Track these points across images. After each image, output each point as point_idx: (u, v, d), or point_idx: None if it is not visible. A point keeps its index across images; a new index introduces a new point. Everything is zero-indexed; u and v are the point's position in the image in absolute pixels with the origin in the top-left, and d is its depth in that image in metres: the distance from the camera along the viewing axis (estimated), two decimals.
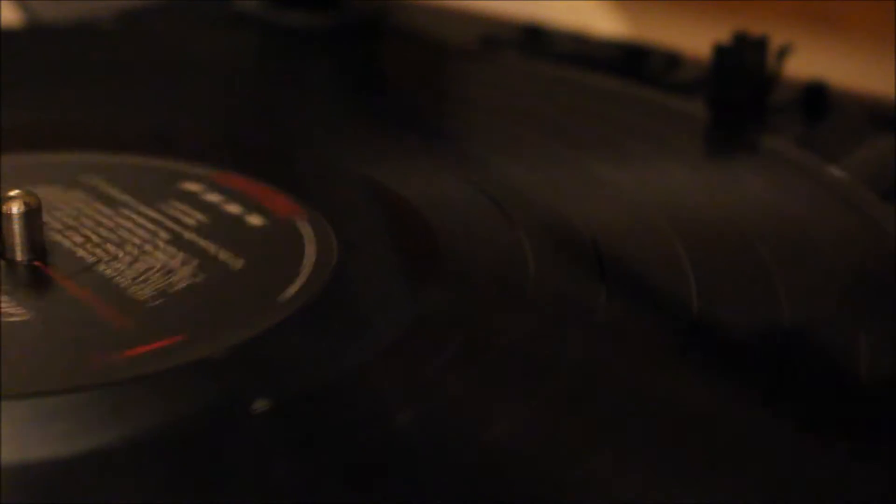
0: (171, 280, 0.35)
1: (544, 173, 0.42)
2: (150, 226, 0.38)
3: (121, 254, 0.36)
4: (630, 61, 0.51)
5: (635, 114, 0.46)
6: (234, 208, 0.39)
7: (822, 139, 0.44)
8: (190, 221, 0.38)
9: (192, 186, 0.40)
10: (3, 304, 0.34)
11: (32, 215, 0.36)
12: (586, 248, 0.37)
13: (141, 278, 0.35)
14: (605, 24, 0.59)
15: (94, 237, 0.37)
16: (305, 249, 0.37)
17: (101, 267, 0.36)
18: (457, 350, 0.33)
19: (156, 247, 0.37)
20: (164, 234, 0.38)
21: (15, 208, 0.36)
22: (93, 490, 0.29)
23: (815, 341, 0.33)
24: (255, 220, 0.38)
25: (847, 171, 0.41)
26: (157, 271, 0.36)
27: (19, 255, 0.36)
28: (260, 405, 0.31)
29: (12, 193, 0.36)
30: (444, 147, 0.44)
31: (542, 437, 0.30)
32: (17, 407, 0.31)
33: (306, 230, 0.37)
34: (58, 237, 0.37)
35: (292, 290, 0.35)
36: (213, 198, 0.40)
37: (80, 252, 0.37)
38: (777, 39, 0.47)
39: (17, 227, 0.36)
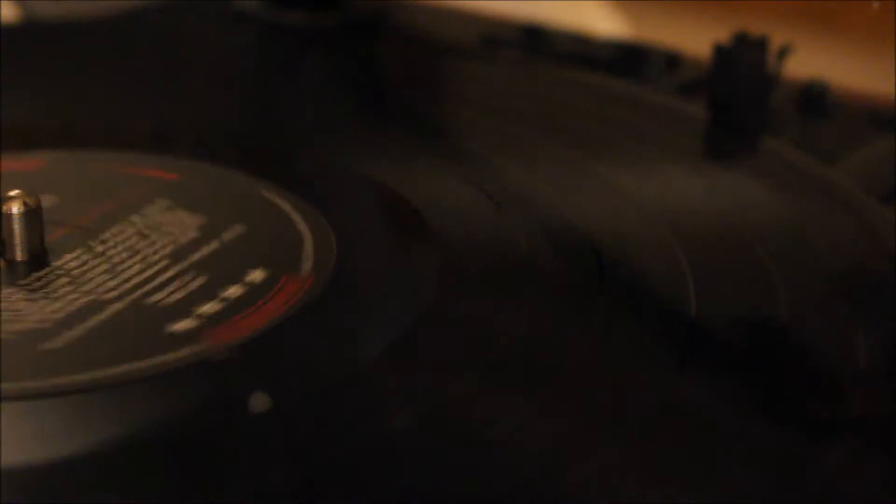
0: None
1: (544, 173, 0.42)
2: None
3: (112, 264, 0.36)
4: (630, 61, 0.51)
5: (635, 114, 0.46)
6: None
7: (821, 140, 0.44)
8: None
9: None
10: (21, 304, 0.34)
11: (32, 215, 0.36)
12: (586, 248, 0.37)
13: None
14: (605, 24, 0.59)
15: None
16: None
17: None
18: (457, 350, 0.33)
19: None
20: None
21: (15, 208, 0.36)
22: (93, 490, 0.29)
23: (815, 342, 0.33)
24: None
25: (846, 173, 0.41)
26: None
27: (19, 255, 0.36)
28: (259, 405, 0.31)
29: (12, 193, 0.36)
30: (444, 147, 0.44)
31: (542, 437, 0.30)
32: (17, 407, 0.31)
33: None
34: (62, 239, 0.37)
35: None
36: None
37: (73, 262, 0.36)
38: (777, 39, 0.47)
39: (17, 227, 0.36)
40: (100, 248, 0.37)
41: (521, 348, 0.33)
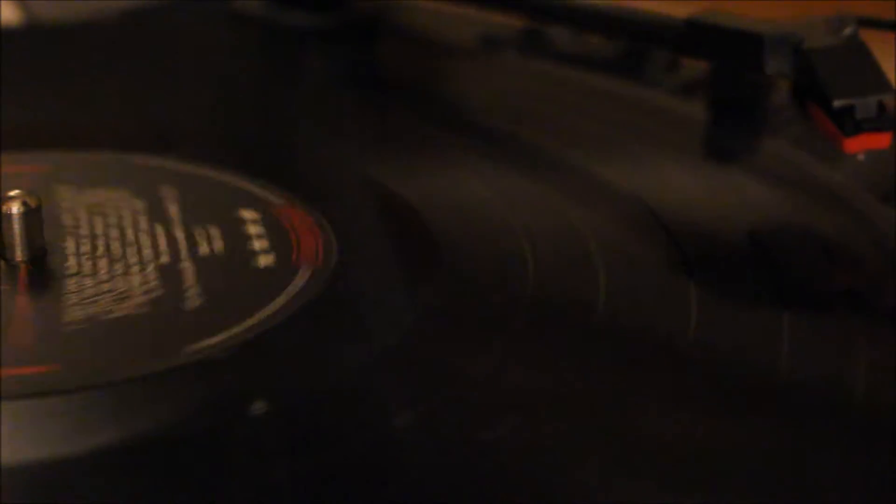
0: (116, 307, 0.34)
1: (544, 173, 0.42)
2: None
3: (103, 270, 0.36)
4: (630, 61, 0.51)
5: (635, 114, 0.46)
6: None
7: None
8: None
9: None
10: (31, 304, 0.34)
11: (32, 215, 0.36)
12: (586, 248, 0.37)
13: (92, 299, 0.35)
14: None
15: (100, 246, 0.37)
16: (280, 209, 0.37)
17: (72, 281, 0.36)
18: (457, 350, 0.33)
19: (141, 269, 0.36)
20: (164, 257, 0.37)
21: (15, 208, 0.36)
22: (92, 490, 0.29)
23: (815, 341, 0.33)
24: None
25: (846, 172, 0.41)
26: (113, 294, 0.35)
27: (19, 255, 0.36)
28: (259, 406, 0.31)
29: (12, 193, 0.36)
30: (444, 147, 0.44)
31: (542, 437, 0.30)
32: (16, 407, 0.31)
33: (270, 195, 0.38)
34: (63, 240, 0.37)
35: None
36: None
37: (71, 260, 0.36)
38: None
39: (16, 227, 0.36)
40: (83, 232, 0.37)
41: (521, 348, 0.33)
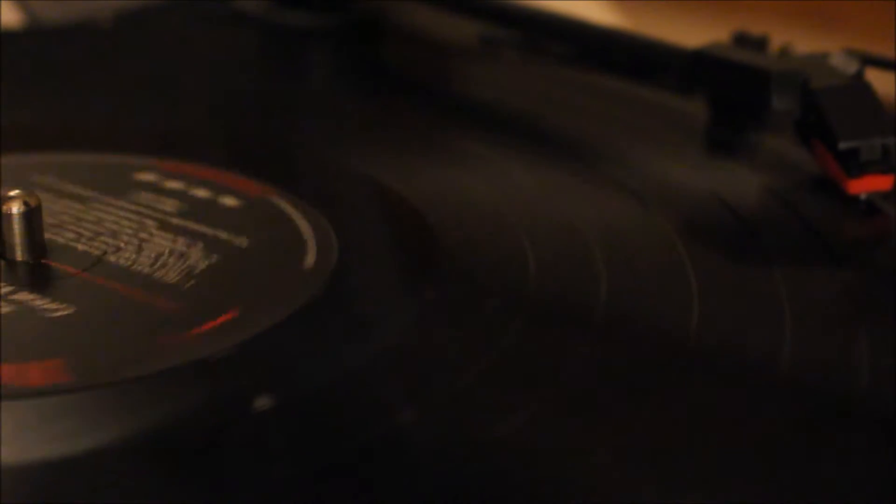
0: (188, 263, 0.35)
1: (544, 173, 0.42)
2: (132, 216, 0.38)
3: (121, 244, 0.36)
4: (631, 60, 0.51)
5: (635, 114, 0.46)
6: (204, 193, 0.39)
7: None
8: (167, 208, 0.38)
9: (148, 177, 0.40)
10: (37, 302, 0.34)
11: (32, 215, 0.36)
12: (586, 248, 0.37)
13: (158, 264, 0.35)
14: (606, 23, 0.59)
15: (85, 233, 0.37)
16: (306, 248, 0.37)
17: (111, 258, 0.36)
18: (457, 350, 0.33)
19: (151, 234, 0.37)
20: (150, 222, 0.38)
21: (15, 208, 0.36)
22: (92, 490, 0.29)
23: (816, 340, 0.33)
24: (229, 201, 0.39)
25: None
26: (170, 256, 0.36)
27: (19, 255, 0.36)
28: (260, 405, 0.31)
29: (12, 193, 0.36)
30: (444, 146, 0.44)
31: (542, 437, 0.30)
32: (17, 407, 0.31)
33: (306, 229, 0.37)
34: (48, 235, 0.37)
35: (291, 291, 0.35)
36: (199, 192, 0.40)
37: (81, 247, 0.37)
38: (777, 39, 0.47)
39: (17, 227, 0.36)
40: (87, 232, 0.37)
41: (521, 348, 0.33)
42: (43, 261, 0.36)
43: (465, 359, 0.33)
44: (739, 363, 0.33)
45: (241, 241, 0.37)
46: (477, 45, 0.53)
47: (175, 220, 0.38)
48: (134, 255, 0.36)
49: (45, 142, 0.43)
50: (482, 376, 0.32)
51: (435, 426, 0.30)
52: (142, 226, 0.38)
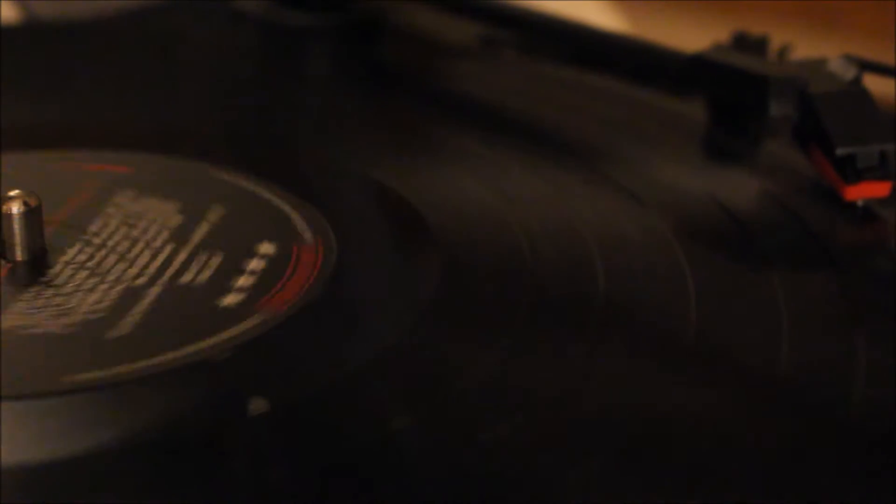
0: (45, 322, 0.34)
1: (543, 174, 0.42)
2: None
3: (74, 283, 0.36)
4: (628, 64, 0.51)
5: (635, 116, 0.46)
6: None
7: None
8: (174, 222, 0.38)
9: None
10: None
11: (32, 215, 0.36)
12: (585, 249, 0.37)
13: (34, 310, 0.34)
14: (605, 24, 0.59)
15: (97, 257, 0.37)
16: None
17: (35, 288, 0.35)
18: (457, 350, 0.33)
19: (110, 287, 0.36)
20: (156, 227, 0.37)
21: (15, 208, 0.36)
22: (92, 491, 0.29)
23: (815, 341, 0.33)
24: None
25: None
26: (56, 309, 0.35)
27: (19, 255, 0.36)
28: (258, 407, 0.31)
29: (12, 193, 0.36)
30: (443, 147, 0.44)
31: (542, 438, 0.30)
32: (16, 407, 0.31)
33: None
34: (72, 245, 0.37)
35: (227, 334, 0.34)
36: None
37: (57, 268, 0.36)
38: (777, 39, 0.47)
39: (17, 227, 0.36)
40: (97, 241, 0.37)
41: (521, 348, 0.33)
42: (37, 262, 0.36)
43: (464, 358, 0.33)
44: (737, 366, 0.33)
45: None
46: (477, 45, 0.53)
47: (174, 221, 0.38)
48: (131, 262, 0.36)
49: (45, 142, 0.43)
50: (481, 376, 0.32)
51: (434, 427, 0.30)
52: (146, 231, 0.38)
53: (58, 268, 0.36)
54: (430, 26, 0.54)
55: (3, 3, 0.56)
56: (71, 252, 0.36)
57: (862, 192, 0.39)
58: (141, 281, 0.35)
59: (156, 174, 0.41)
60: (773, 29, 0.48)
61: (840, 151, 0.38)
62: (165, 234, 0.37)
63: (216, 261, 0.36)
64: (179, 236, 0.37)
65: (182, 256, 0.36)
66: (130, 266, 0.36)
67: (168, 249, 0.37)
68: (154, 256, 0.36)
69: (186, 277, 0.35)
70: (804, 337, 0.33)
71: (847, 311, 0.35)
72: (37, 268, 0.36)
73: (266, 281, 0.35)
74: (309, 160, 0.43)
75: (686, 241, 0.37)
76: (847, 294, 0.36)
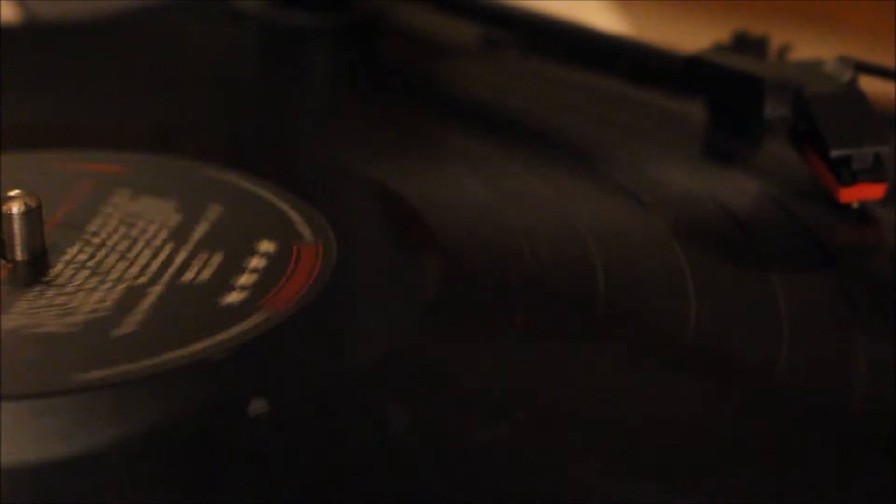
0: (48, 322, 0.34)
1: (543, 174, 0.42)
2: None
3: (75, 282, 0.36)
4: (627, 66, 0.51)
5: (635, 114, 0.46)
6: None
7: None
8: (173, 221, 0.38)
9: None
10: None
11: (32, 215, 0.36)
12: (585, 249, 0.37)
13: (37, 310, 0.34)
14: (605, 24, 0.59)
15: (98, 256, 0.37)
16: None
17: (37, 288, 0.35)
18: (457, 350, 0.33)
19: (112, 286, 0.35)
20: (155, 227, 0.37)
21: (15, 208, 0.36)
22: (92, 491, 0.29)
23: (814, 341, 0.33)
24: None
25: None
26: (58, 309, 0.35)
27: (19, 255, 0.36)
28: (258, 407, 0.31)
29: (12, 193, 0.36)
30: (444, 147, 0.44)
31: (541, 438, 0.30)
32: (16, 407, 0.31)
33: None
34: (72, 245, 0.37)
35: (231, 332, 0.34)
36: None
37: (58, 267, 0.36)
38: (777, 39, 0.47)
39: (17, 227, 0.36)
40: (97, 240, 0.37)
41: (522, 347, 0.33)
42: (37, 262, 0.36)
43: (464, 358, 0.33)
44: (736, 366, 0.33)
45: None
46: (477, 45, 0.53)
47: (173, 220, 0.38)
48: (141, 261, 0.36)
49: (44, 141, 0.43)
50: (482, 376, 0.32)
51: (434, 427, 0.30)
52: (146, 230, 0.38)
53: (58, 267, 0.36)
54: (430, 26, 0.54)
55: (2, 3, 0.56)
56: (71, 252, 0.36)
57: (856, 195, 0.39)
58: (142, 280, 0.35)
59: (154, 174, 0.41)
60: (773, 29, 0.48)
61: (835, 153, 0.39)
62: (165, 233, 0.37)
63: (217, 259, 0.36)
64: (179, 235, 0.37)
65: (182, 255, 0.36)
66: (131, 265, 0.36)
67: (168, 248, 0.37)
68: (154, 255, 0.36)
69: (188, 276, 0.35)
70: (803, 336, 0.33)
71: (846, 311, 0.35)
72: (37, 268, 0.36)
73: (267, 279, 0.35)
74: (309, 160, 0.43)
75: (685, 241, 0.37)
76: (846, 294, 0.36)
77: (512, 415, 0.31)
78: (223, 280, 0.35)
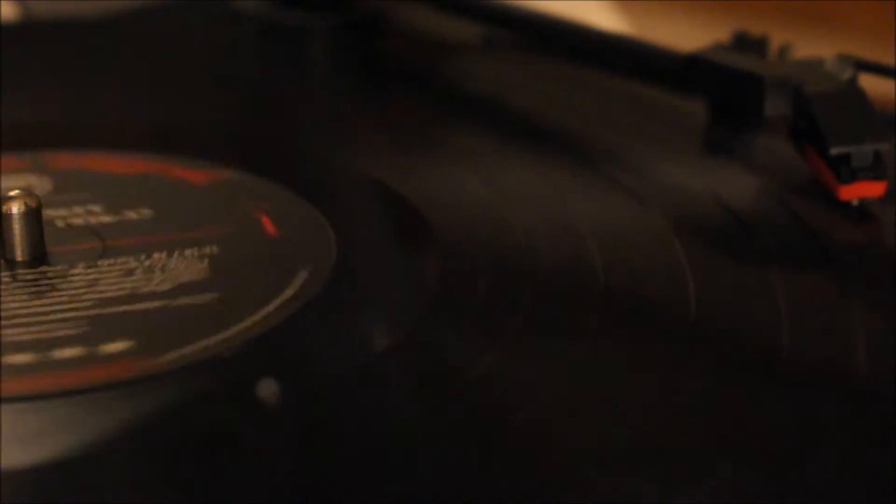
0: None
1: (543, 172, 0.42)
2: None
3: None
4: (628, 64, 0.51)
5: (635, 112, 0.46)
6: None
7: None
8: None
9: None
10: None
11: (32, 215, 0.36)
12: (585, 246, 0.37)
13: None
14: (605, 23, 0.59)
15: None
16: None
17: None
18: (457, 350, 0.33)
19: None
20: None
21: (15, 208, 0.36)
22: (93, 490, 0.29)
23: (815, 341, 0.33)
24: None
25: None
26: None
27: (19, 255, 0.36)
28: (269, 390, 0.31)
29: (12, 193, 0.36)
30: (444, 146, 0.44)
31: (541, 437, 0.30)
32: (17, 407, 0.31)
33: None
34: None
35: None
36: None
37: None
38: (777, 39, 0.47)
39: (17, 227, 0.36)
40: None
41: (522, 347, 0.33)
42: (37, 262, 0.36)
43: (464, 359, 0.33)
44: (736, 362, 0.33)
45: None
46: (477, 44, 0.53)
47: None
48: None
49: (44, 141, 0.43)
50: (481, 376, 0.32)
51: (434, 426, 0.30)
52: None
53: (59, 267, 0.36)
54: (430, 26, 0.54)
55: (2, 2, 0.56)
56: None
57: (856, 192, 0.39)
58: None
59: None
60: (773, 29, 0.48)
61: (834, 151, 0.39)
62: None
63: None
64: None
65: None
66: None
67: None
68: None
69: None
70: (803, 334, 0.33)
71: (846, 307, 0.35)
72: (37, 268, 0.36)
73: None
74: (309, 159, 0.43)
75: (685, 238, 0.37)
76: (845, 291, 0.36)
77: (512, 414, 0.31)
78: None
